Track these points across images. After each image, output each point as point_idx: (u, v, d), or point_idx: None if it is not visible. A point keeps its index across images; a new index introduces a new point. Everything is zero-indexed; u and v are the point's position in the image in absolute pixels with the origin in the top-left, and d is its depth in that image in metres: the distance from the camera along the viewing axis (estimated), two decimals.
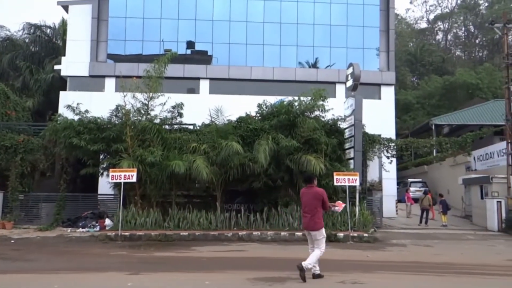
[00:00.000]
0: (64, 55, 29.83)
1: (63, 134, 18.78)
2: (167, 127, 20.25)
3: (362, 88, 22.02)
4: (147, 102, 19.60)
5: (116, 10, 29.64)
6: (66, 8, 30.43)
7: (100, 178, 21.79)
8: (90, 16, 29.33)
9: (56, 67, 30.22)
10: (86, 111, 19.58)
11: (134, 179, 17.22)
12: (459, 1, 69.42)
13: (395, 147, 23.40)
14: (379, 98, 29.68)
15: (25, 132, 22.51)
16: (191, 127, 21.13)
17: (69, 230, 18.74)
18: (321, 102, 19.52)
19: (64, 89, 29.11)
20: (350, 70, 21.06)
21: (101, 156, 20.33)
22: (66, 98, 26.02)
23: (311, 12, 30.32)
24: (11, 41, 35.85)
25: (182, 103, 20.27)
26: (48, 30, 35.97)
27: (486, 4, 65.37)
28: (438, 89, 50.83)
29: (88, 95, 26.50)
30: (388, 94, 29.95)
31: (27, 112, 28.67)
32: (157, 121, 19.60)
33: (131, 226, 17.81)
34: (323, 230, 9.46)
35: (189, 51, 30.32)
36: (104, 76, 28.99)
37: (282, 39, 30.09)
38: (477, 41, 69.02)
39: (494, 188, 22.47)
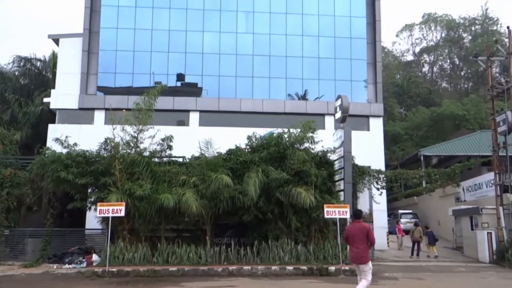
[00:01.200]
0: (53, 88, 29.82)
1: (50, 168, 18.55)
2: (156, 160, 20.13)
3: (350, 119, 22.21)
4: (136, 135, 19.53)
5: (107, 43, 29.85)
6: (56, 41, 30.62)
7: (87, 213, 21.43)
8: (80, 49, 29.48)
9: (45, 99, 30.16)
10: (75, 144, 19.44)
11: (122, 213, 16.97)
12: (443, 35, 71.04)
13: (385, 178, 23.45)
14: (368, 130, 29.91)
15: (12, 166, 22.20)
16: (180, 159, 21.03)
17: (55, 267, 18.31)
18: (310, 134, 19.61)
19: (53, 122, 29.00)
20: (339, 102, 21.28)
21: (89, 190, 20.05)
22: (54, 131, 25.88)
23: (299, 45, 30.79)
24: (0, 74, 35.82)
25: (171, 136, 20.21)
26: (38, 63, 36.06)
27: (470, 37, 67.01)
28: (425, 120, 51.45)
29: (77, 128, 26.42)
30: (377, 125, 30.22)
31: (15, 145, 28.38)
32: (146, 154, 19.48)
33: (119, 262, 17.43)
34: (370, 263, 10.23)
35: (179, 83, 30.50)
36: (93, 109, 28.95)
37: (271, 71, 30.43)
38: (462, 73, 70.39)
39: (484, 219, 22.48)
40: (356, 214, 10.91)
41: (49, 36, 30.72)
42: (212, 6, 30.63)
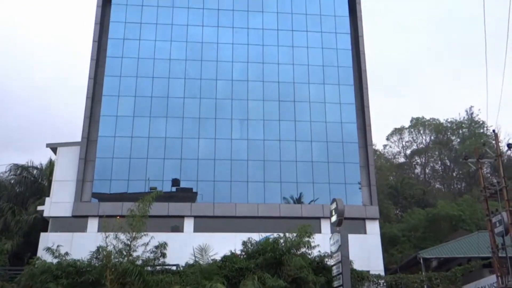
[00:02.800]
0: (48, 196, 29.81)
1: (39, 279, 17.99)
2: (149, 268, 19.59)
3: (346, 223, 22.04)
4: (129, 243, 19.21)
5: (104, 151, 30.44)
6: (54, 150, 31.24)
7: None
8: (77, 157, 29.98)
9: (39, 207, 29.98)
10: (66, 253, 19.05)
11: None
12: (432, 138, 73.08)
13: (384, 284, 22.77)
14: (365, 233, 29.63)
15: (0, 277, 21.45)
16: (174, 267, 20.50)
17: None
18: (307, 239, 19.42)
19: (46, 230, 28.57)
20: (334, 205, 21.30)
21: None
22: (46, 239, 25.47)
23: (293, 150, 31.52)
24: None
25: (165, 243, 19.89)
26: (35, 171, 36.39)
27: (458, 140, 68.92)
28: (422, 221, 51.02)
29: (70, 236, 26.04)
30: (373, 228, 29.98)
31: (5, 255, 27.62)
32: (139, 262, 19.01)
33: None
34: None
35: (174, 189, 30.67)
36: (87, 216, 28.72)
37: (266, 176, 30.79)
38: (454, 174, 71.31)
39: None
40: None
41: (48, 145, 31.39)
42: (207, 114, 31.78)
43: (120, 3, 33.41)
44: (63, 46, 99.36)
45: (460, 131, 69.60)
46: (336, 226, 20.93)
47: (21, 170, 35.91)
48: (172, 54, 32.81)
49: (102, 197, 29.63)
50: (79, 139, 30.75)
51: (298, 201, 30.84)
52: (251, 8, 34.45)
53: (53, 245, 19.21)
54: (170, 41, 33.12)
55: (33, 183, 35.88)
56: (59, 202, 28.83)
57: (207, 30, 33.72)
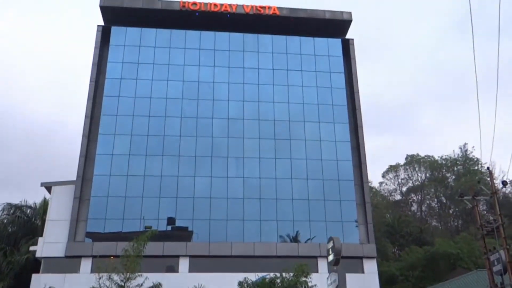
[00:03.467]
0: (41, 236, 29.40)
1: None
2: None
3: (344, 261, 21.71)
4: (123, 284, 18.87)
5: (99, 189, 30.26)
6: (49, 189, 31.02)
7: None
8: (72, 196, 29.76)
9: (31, 248, 29.51)
10: None
11: None
12: (427, 175, 73.23)
13: None
14: (362, 272, 29.26)
15: None
16: None
17: None
18: (303, 279, 19.15)
19: (38, 271, 28.01)
20: (331, 244, 21.04)
21: None
22: (38, 281, 24.98)
23: (289, 188, 31.45)
24: None
25: (160, 284, 19.62)
26: (28, 210, 36.00)
27: (453, 177, 69.06)
28: (420, 260, 50.45)
29: (62, 277, 25.56)
30: (371, 267, 29.62)
31: None
32: None
33: None
34: None
35: (169, 228, 30.34)
36: (80, 257, 28.24)
37: (262, 214, 30.59)
38: (450, 211, 71.07)
39: None
40: None
41: (42, 184, 31.20)
42: (203, 152, 31.84)
43: (118, 44, 34.00)
44: (60, 85, 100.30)
45: (455, 168, 69.88)
46: (333, 265, 20.62)
47: (14, 210, 35.51)
48: (168, 93, 33.17)
49: (96, 237, 29.24)
50: (74, 178, 30.58)
51: (295, 239, 30.54)
52: (247, 49, 35.14)
53: (45, 286, 18.89)
54: (167, 81, 33.54)
55: (26, 222, 35.42)
56: (52, 242, 28.40)
57: (204, 70, 34.24)
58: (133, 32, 34.45)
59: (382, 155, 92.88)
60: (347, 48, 36.22)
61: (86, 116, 31.87)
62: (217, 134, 32.42)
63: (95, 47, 33.79)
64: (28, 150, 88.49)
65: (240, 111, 33.28)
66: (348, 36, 37.16)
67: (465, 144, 69.78)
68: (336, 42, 36.22)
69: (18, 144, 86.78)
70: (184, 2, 34.47)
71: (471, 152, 68.41)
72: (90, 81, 32.87)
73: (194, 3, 34.58)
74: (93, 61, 33.46)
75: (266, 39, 35.61)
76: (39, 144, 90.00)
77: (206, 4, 34.68)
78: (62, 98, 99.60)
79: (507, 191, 61.68)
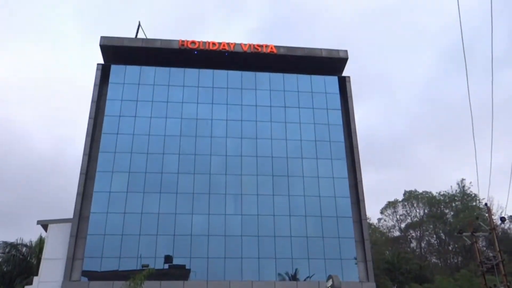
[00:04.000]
0: (36, 275, 28.98)
1: None
2: None
3: None
4: None
5: (96, 227, 29.99)
6: (45, 227, 30.75)
7: None
8: (68, 234, 29.48)
9: (26, 287, 29.01)
10: None
11: None
12: (426, 211, 72.95)
13: None
14: None
15: None
16: None
17: None
18: None
19: None
20: (330, 282, 20.89)
21: None
22: None
23: (287, 225, 31.26)
24: None
25: None
26: (24, 249, 35.67)
27: (452, 213, 68.80)
28: None
29: None
30: None
31: None
32: None
33: None
34: None
35: (166, 266, 29.93)
36: None
37: (260, 251, 30.30)
38: (450, 248, 70.45)
39: None
40: None
41: (38, 222, 30.92)
42: (201, 189, 31.78)
43: (118, 82, 34.44)
44: (59, 121, 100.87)
45: (453, 204, 69.73)
46: None
47: (10, 248, 35.20)
48: (167, 130, 33.40)
49: (92, 276, 28.81)
50: (71, 215, 30.36)
51: (294, 277, 30.15)
52: (245, 86, 35.63)
53: None
54: (166, 118, 33.82)
55: (22, 261, 35.06)
56: (47, 281, 27.97)
57: (202, 107, 34.60)
58: (132, 70, 34.98)
59: (380, 191, 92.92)
60: (343, 85, 36.77)
61: (84, 154, 31.95)
62: (215, 171, 32.46)
63: (95, 85, 34.21)
64: (25, 187, 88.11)
65: (238, 148, 33.45)
66: (344, 72, 37.79)
67: (463, 179, 69.81)
68: (333, 80, 36.80)
69: (15, 181, 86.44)
70: (183, 41, 35.17)
71: (469, 188, 68.48)
72: (89, 118, 33.10)
73: (193, 42, 35.29)
74: (92, 98, 33.79)
75: (264, 77, 36.17)
76: (36, 181, 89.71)
77: (204, 43, 35.38)
78: (61, 135, 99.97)
79: (506, 227, 61.49)
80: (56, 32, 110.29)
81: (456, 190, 70.31)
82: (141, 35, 37.46)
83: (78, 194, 30.73)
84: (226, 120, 34.35)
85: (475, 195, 67.13)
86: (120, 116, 33.46)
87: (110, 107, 33.73)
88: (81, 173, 31.33)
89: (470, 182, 68.63)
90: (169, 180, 31.78)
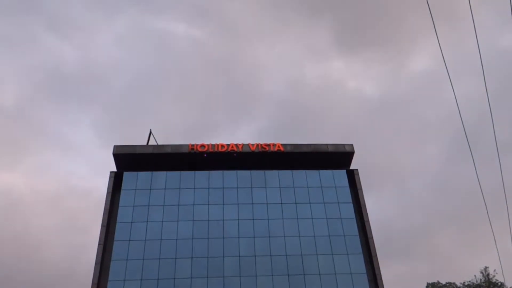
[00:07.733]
0: None
1: None
2: None
3: None
4: None
5: None
6: None
7: None
8: None
9: None
10: None
11: None
12: None
13: None
14: None
15: None
16: None
17: None
18: None
19: None
20: None
21: None
22: None
23: None
24: None
25: None
26: None
27: None
28: None
29: None
30: None
31: None
32: None
33: None
34: None
35: None
36: None
37: None
38: None
39: None
40: None
41: None
42: None
43: (130, 189, 34.93)
44: (72, 231, 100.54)
45: None
46: None
47: None
48: (179, 234, 33.19)
49: None
50: None
51: None
52: (255, 185, 35.92)
53: None
54: (177, 221, 33.77)
55: None
56: None
57: (213, 208, 34.65)
58: (144, 176, 35.62)
59: (400, 284, 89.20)
60: (352, 178, 36.96)
61: (96, 263, 31.53)
62: (229, 273, 31.69)
63: (107, 193, 34.70)
64: None
65: (251, 247, 32.91)
66: (352, 165, 38.18)
67: (486, 267, 67.15)
68: (341, 173, 37.08)
69: None
70: (192, 145, 36.18)
71: (494, 275, 65.70)
72: (102, 226, 33.15)
73: (202, 145, 36.26)
74: (104, 206, 34.09)
75: (273, 175, 36.58)
76: None
77: (213, 145, 36.35)
78: (73, 243, 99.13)
79: None
80: (70, 142, 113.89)
81: (480, 280, 67.40)
82: (152, 142, 38.68)
83: None
84: (238, 219, 34.20)
85: (502, 284, 64.28)
86: (132, 222, 33.49)
87: (122, 214, 33.88)
88: (92, 284, 30.68)
89: (495, 270, 65.97)
90: (182, 285, 30.94)
